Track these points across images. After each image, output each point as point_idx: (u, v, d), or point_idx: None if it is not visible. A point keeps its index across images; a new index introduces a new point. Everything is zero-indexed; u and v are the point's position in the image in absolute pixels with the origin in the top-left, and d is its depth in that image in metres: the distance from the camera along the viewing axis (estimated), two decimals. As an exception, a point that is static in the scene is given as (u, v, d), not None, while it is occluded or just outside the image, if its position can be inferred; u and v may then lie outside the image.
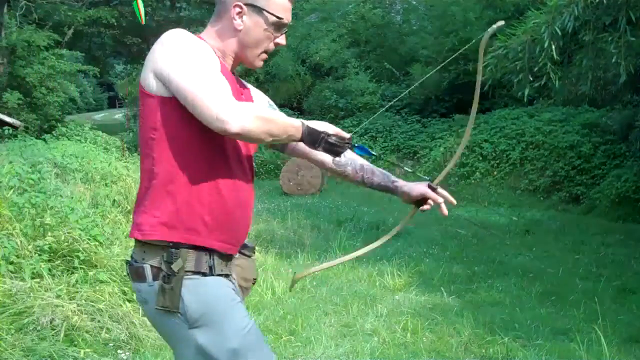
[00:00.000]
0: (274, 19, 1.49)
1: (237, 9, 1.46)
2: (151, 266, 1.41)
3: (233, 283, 1.51)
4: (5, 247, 3.46)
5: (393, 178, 1.71)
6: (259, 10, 1.47)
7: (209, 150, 1.42)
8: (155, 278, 1.40)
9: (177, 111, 1.36)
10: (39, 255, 3.62)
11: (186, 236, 1.40)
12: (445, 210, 1.68)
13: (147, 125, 1.41)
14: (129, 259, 1.49)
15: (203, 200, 1.41)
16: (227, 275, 1.48)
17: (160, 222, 1.40)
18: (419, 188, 1.66)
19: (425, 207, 1.67)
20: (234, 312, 1.44)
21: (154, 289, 1.40)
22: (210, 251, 1.43)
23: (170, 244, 1.39)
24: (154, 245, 1.41)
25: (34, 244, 3.67)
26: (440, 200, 1.65)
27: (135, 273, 1.44)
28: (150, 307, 1.43)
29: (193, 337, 1.39)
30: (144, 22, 1.54)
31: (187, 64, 1.34)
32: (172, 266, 1.37)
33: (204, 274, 1.41)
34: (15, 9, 17.36)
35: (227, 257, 1.49)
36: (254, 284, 1.64)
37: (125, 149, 8.62)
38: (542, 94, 11.07)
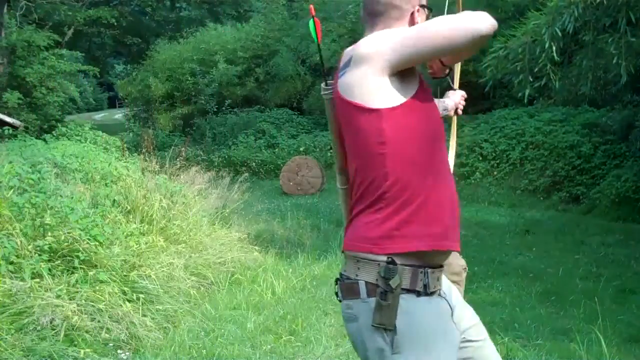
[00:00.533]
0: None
1: (415, 11, 1.53)
2: (366, 282, 1.37)
3: (444, 297, 1.47)
4: (5, 247, 3.46)
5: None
6: (426, 8, 1.58)
7: (432, 154, 1.42)
8: (370, 294, 1.36)
9: (403, 120, 1.36)
10: (39, 255, 3.62)
11: (430, 243, 1.37)
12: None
13: (372, 141, 1.37)
14: (339, 275, 1.45)
15: (437, 203, 1.40)
16: (438, 293, 1.44)
17: (401, 235, 1.37)
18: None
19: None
20: (442, 352, 1.39)
21: (368, 305, 1.36)
22: (425, 267, 1.38)
23: (389, 259, 1.35)
24: (369, 261, 1.37)
25: (34, 244, 3.67)
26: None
27: (348, 289, 1.40)
28: (359, 324, 1.38)
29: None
30: (319, 42, 1.53)
31: (408, 30, 1.40)
32: (389, 282, 1.33)
33: (418, 293, 1.37)
34: (15, 9, 17.36)
35: (439, 270, 1.44)
36: (466, 270, 1.60)
37: (125, 149, 8.62)
38: (543, 94, 11.07)
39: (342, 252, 1.48)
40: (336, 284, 1.47)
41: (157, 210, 5.07)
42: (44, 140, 10.74)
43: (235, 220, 6.79)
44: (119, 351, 3.34)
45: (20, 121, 13.04)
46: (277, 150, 15.04)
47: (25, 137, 10.70)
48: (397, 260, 1.35)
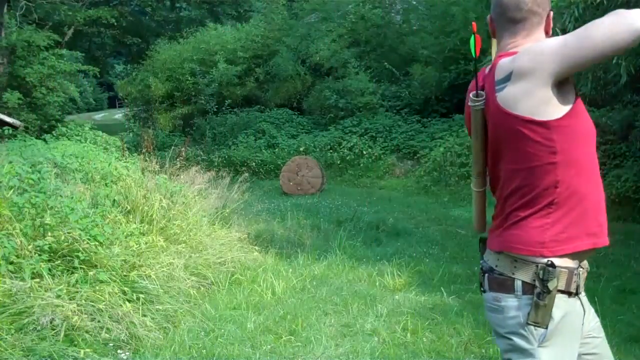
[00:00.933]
0: None
1: (549, 14, 1.59)
2: (522, 281, 1.48)
3: (583, 297, 1.59)
4: (5, 247, 3.46)
5: None
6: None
7: (592, 155, 1.52)
8: (524, 292, 1.47)
9: (569, 128, 1.44)
10: (39, 255, 3.62)
11: (585, 242, 1.50)
12: None
13: (542, 151, 1.45)
14: (486, 266, 1.58)
15: (596, 201, 1.52)
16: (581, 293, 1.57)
17: (564, 238, 1.48)
18: None
19: None
20: (574, 348, 1.53)
21: (520, 302, 1.48)
22: (578, 268, 1.52)
23: (548, 262, 1.46)
24: (528, 262, 1.48)
25: (34, 244, 3.67)
26: None
27: (501, 284, 1.52)
28: (505, 316, 1.50)
29: (537, 354, 1.47)
30: (477, 57, 1.57)
31: (566, 39, 1.40)
32: (547, 284, 1.44)
33: (570, 294, 1.49)
34: (15, 9, 17.36)
35: (585, 270, 1.59)
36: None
37: (125, 149, 8.61)
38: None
39: (493, 250, 1.57)
40: (482, 274, 1.59)
41: (157, 210, 5.07)
42: (44, 140, 10.74)
43: (235, 220, 6.79)
44: (119, 351, 3.34)
45: (20, 121, 13.05)
46: (277, 150, 15.04)
47: (25, 137, 10.70)
48: (556, 263, 1.46)
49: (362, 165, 14.04)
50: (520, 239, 1.51)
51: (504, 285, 1.51)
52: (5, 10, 16.71)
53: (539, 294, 1.44)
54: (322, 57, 15.77)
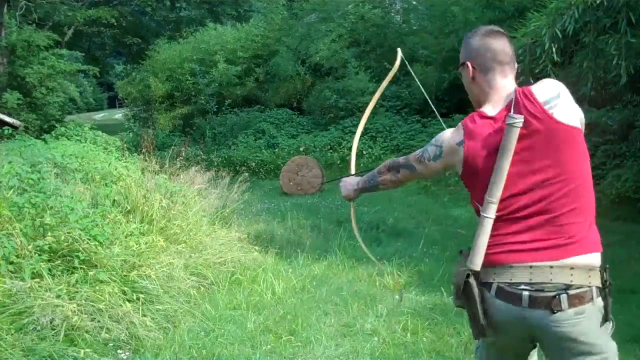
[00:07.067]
0: None
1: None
2: (596, 287, 1.61)
3: None
4: (5, 247, 3.46)
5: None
6: None
7: None
8: (597, 296, 1.61)
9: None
10: (39, 255, 3.62)
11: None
12: None
13: (586, 159, 1.69)
14: (550, 286, 1.60)
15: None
16: None
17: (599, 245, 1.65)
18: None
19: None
20: None
21: (596, 306, 1.61)
22: None
23: (603, 264, 1.63)
24: (597, 269, 1.62)
25: (34, 244, 3.67)
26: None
27: (581, 297, 1.59)
28: (590, 324, 1.60)
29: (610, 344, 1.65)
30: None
31: None
32: (608, 281, 1.62)
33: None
34: (15, 9, 17.36)
35: None
36: None
37: (125, 149, 8.61)
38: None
39: (553, 263, 1.62)
40: (551, 299, 1.60)
41: (157, 210, 5.07)
42: (44, 140, 10.72)
43: (235, 220, 6.78)
44: (119, 351, 3.34)
45: (20, 121, 13.05)
46: (277, 150, 15.04)
47: (25, 137, 10.69)
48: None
49: (362, 165, 14.04)
50: (584, 248, 1.63)
51: (585, 297, 1.59)
52: (5, 10, 16.71)
53: (610, 291, 1.62)
54: (322, 57, 15.76)
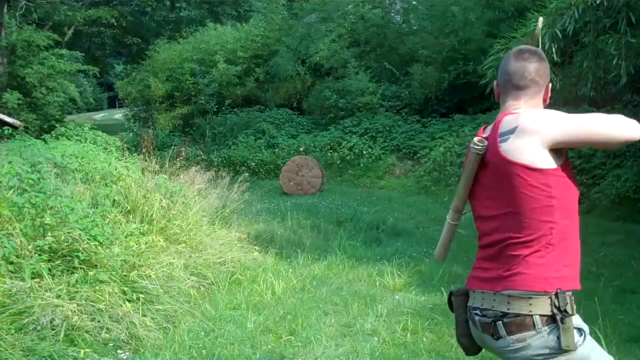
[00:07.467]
0: None
1: (548, 85, 1.81)
2: (540, 315, 1.58)
3: None
4: (5, 247, 3.46)
5: None
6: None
7: (576, 207, 1.69)
8: (544, 324, 1.58)
9: (562, 178, 1.62)
10: (39, 255, 3.62)
11: (571, 283, 1.62)
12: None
13: (541, 195, 1.61)
14: (491, 313, 1.64)
15: (577, 249, 1.67)
16: None
17: (561, 276, 1.60)
18: None
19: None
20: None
21: (541, 335, 1.58)
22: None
23: (558, 290, 1.58)
24: (542, 297, 1.58)
25: (34, 244, 3.67)
26: None
27: (519, 324, 1.59)
28: (530, 353, 1.59)
29: (572, 356, 1.59)
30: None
31: (571, 117, 1.61)
32: (566, 309, 1.57)
33: (571, 315, 1.60)
34: (15, 9, 17.36)
35: None
36: None
37: (125, 149, 8.61)
38: (543, 94, 11.06)
39: (495, 292, 1.65)
40: (491, 325, 1.64)
41: (157, 210, 5.07)
42: (44, 140, 10.72)
43: (235, 220, 6.78)
44: (119, 351, 3.34)
45: (20, 121, 13.04)
46: (277, 150, 15.05)
47: (25, 137, 10.68)
48: (563, 291, 1.60)
49: (362, 165, 14.05)
50: (529, 277, 1.61)
51: (524, 324, 1.59)
52: (5, 10, 16.71)
53: (562, 319, 1.56)
54: (322, 57, 15.77)
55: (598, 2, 5.57)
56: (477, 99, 13.60)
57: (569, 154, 1.69)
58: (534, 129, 1.60)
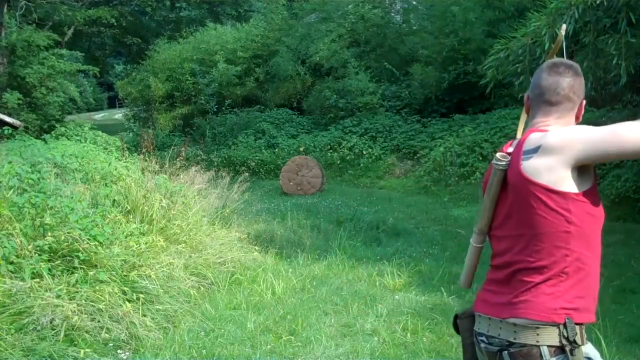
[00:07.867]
0: None
1: (582, 102, 1.70)
2: (548, 346, 1.51)
3: None
4: (5, 247, 3.46)
5: None
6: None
7: (598, 237, 1.59)
8: (552, 355, 1.51)
9: (585, 204, 1.54)
10: (39, 255, 3.62)
11: (584, 316, 1.55)
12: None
13: (559, 220, 1.53)
14: (497, 341, 1.58)
15: (595, 281, 1.59)
16: None
17: (572, 307, 1.53)
18: None
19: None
20: None
21: None
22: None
23: (568, 320, 1.52)
24: (550, 327, 1.52)
25: (34, 244, 3.67)
26: None
27: (525, 355, 1.53)
28: None
29: None
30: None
31: (597, 131, 1.50)
32: (575, 340, 1.50)
33: (580, 345, 1.54)
34: (15, 9, 17.35)
35: None
36: None
37: (125, 148, 8.61)
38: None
39: (502, 319, 1.59)
40: (496, 355, 1.58)
41: (157, 210, 5.07)
42: (44, 140, 10.72)
43: (235, 220, 6.79)
44: (119, 351, 3.34)
45: (20, 121, 13.04)
46: (277, 150, 15.05)
47: (25, 137, 10.68)
48: (572, 320, 1.54)
49: (362, 165, 14.05)
50: (536, 306, 1.55)
51: (531, 355, 1.52)
52: (5, 10, 16.71)
53: (572, 350, 1.50)
54: (322, 57, 15.77)
55: (598, 2, 5.57)
56: (477, 99, 13.60)
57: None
58: (557, 148, 1.52)
